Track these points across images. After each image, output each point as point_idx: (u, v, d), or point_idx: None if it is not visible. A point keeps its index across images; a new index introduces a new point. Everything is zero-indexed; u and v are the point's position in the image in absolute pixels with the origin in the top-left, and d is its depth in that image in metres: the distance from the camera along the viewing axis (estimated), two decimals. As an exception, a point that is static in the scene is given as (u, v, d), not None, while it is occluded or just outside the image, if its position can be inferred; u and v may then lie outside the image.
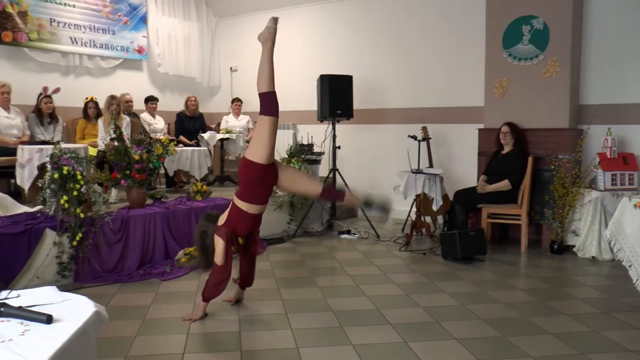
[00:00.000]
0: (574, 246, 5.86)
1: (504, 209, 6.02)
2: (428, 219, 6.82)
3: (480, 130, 6.75)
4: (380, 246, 6.25)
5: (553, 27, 6.17)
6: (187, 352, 3.29)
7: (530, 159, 5.99)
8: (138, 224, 5.15)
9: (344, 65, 8.02)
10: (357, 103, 7.35)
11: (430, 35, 7.53)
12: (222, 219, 3.85)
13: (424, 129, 6.87)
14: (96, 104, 7.16)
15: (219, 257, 3.74)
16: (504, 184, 5.98)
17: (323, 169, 7.52)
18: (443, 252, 5.62)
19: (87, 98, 7.18)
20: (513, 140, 6.16)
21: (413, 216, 6.69)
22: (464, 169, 7.16)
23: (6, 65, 7.24)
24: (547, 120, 6.22)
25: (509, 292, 4.54)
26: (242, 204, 3.78)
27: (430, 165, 6.71)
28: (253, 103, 9.29)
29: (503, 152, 6.22)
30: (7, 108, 6.47)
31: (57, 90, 6.89)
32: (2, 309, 1.84)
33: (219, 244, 3.74)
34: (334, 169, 7.09)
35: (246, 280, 4.18)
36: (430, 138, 6.86)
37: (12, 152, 5.97)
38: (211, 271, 3.82)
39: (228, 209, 3.86)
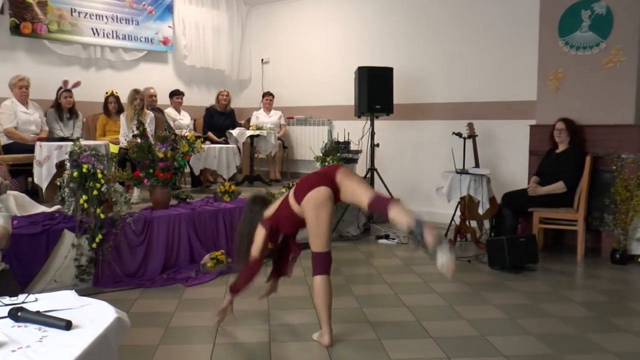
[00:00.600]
0: (639, 256, 5.72)
1: (558, 214, 5.92)
2: (473, 224, 6.75)
3: (532, 127, 6.65)
4: (420, 252, 6.18)
5: (617, 11, 6.03)
6: (213, 364, 3.31)
7: (588, 159, 5.87)
8: (162, 226, 5.21)
9: (384, 57, 7.98)
10: (398, 97, 7.31)
11: (478, 22, 7.44)
12: (270, 210, 3.77)
13: (470, 126, 6.79)
14: (117, 98, 7.28)
15: (255, 248, 3.72)
16: (558, 186, 5.88)
17: (360, 169, 7.50)
18: (490, 259, 5.55)
19: (107, 92, 7.31)
20: (569, 138, 6.05)
21: (457, 220, 6.63)
22: (514, 170, 7.06)
23: (25, 58, 7.40)
24: (608, 115, 6.08)
25: (564, 305, 4.45)
26: (296, 208, 3.62)
27: (477, 165, 6.64)
28: (285, 97, 9.41)
29: (557, 151, 6.12)
30: (25, 103, 6.62)
31: (77, 84, 7.04)
32: (19, 314, 1.88)
33: (260, 234, 3.71)
34: (372, 169, 7.07)
35: (283, 269, 4.02)
36: (477, 135, 6.79)
37: (29, 149, 6.09)
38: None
39: (279, 202, 3.77)
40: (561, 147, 6.10)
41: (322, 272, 3.63)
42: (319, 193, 3.50)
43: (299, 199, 3.56)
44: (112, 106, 7.26)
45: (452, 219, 6.97)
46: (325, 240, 3.60)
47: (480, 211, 6.27)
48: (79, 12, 7.80)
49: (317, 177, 3.62)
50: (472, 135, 6.75)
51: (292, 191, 3.67)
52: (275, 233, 3.75)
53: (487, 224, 6.68)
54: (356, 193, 3.50)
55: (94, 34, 7.99)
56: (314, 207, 3.50)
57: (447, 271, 3.03)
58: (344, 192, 3.54)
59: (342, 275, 5.21)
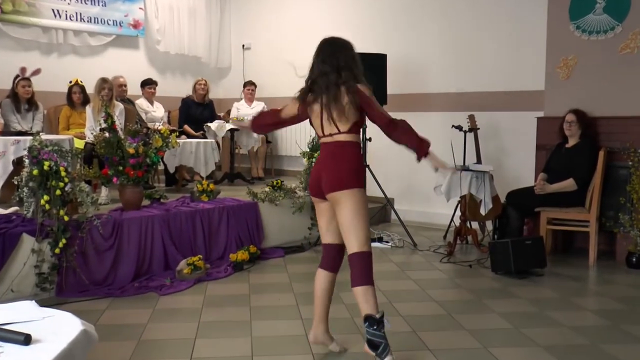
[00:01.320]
0: (656, 259, 5.78)
1: (568, 214, 5.95)
2: (475, 225, 6.77)
3: (539, 119, 6.67)
4: (417, 257, 6.22)
5: (636, -9, 6.07)
6: (189, 380, 3.30)
7: (601, 154, 5.91)
8: (133, 229, 5.19)
9: (377, 42, 7.97)
10: (392, 87, 7.31)
11: (480, 5, 7.46)
12: None
13: (471, 118, 6.81)
14: (82, 88, 7.23)
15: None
16: (568, 184, 5.91)
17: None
18: (493, 264, 5.57)
19: (70, 82, 7.25)
20: (580, 131, 6.08)
21: (457, 222, 6.65)
22: (519, 166, 7.09)
23: (-24, 42, 7.37)
24: (624, 106, 6.12)
25: (574, 313, 4.48)
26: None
27: (478, 161, 6.66)
28: (269, 87, 9.39)
29: (567, 145, 6.15)
30: (-23, 93, 6.57)
31: (37, 72, 6.96)
32: (-28, 327, 1.86)
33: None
34: (363, 165, 7.06)
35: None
36: (479, 128, 6.81)
37: (-17, 144, 6.03)
38: None
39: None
40: (571, 141, 6.12)
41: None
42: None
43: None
44: (76, 97, 7.21)
45: (452, 220, 6.99)
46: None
47: (483, 211, 6.28)
48: (38, -8, 7.75)
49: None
50: (474, 129, 6.77)
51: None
52: None
53: (489, 225, 6.70)
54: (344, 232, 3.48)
55: (55, 15, 7.95)
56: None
57: None
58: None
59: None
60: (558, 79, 6.51)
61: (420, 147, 3.53)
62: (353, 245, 3.42)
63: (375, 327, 3.29)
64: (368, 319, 3.32)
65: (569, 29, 6.41)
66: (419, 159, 3.54)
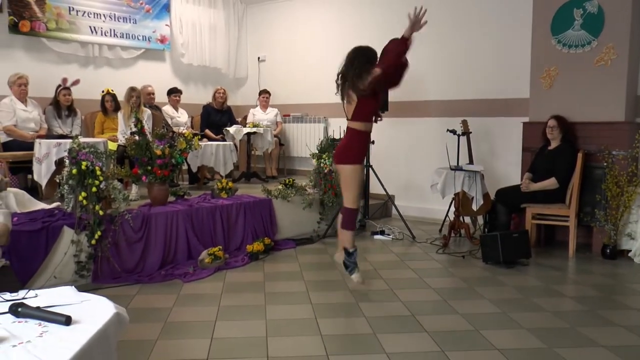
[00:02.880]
0: (629, 251, 5.75)
1: (551, 210, 5.94)
2: (467, 220, 6.77)
3: (525, 124, 6.65)
4: (415, 248, 6.22)
5: (609, 10, 6.03)
6: (211, 358, 3.32)
7: (580, 155, 5.89)
8: (159, 222, 5.21)
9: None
10: (393, 95, 7.30)
11: (472, 20, 7.45)
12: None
13: (464, 123, 6.81)
14: (113, 96, 7.27)
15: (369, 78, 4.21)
16: (551, 183, 5.89)
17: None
18: (484, 255, 5.57)
19: (103, 91, 7.30)
20: (561, 134, 6.06)
21: (451, 216, 6.64)
22: (507, 166, 7.08)
23: (24, 56, 7.40)
24: (599, 113, 6.09)
25: (555, 299, 4.48)
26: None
27: (471, 162, 6.65)
28: (281, 95, 9.41)
29: (550, 147, 6.13)
30: (24, 101, 6.61)
31: (76, 82, 7.02)
32: (20, 310, 1.88)
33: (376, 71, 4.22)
34: (367, 166, 7.07)
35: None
36: (471, 132, 6.80)
37: (29, 146, 6.08)
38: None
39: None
40: (553, 144, 6.11)
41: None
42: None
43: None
44: (108, 104, 7.25)
45: (447, 214, 6.99)
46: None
47: (474, 207, 6.29)
48: (77, 11, 7.79)
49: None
50: (466, 133, 6.76)
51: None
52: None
53: (481, 219, 6.69)
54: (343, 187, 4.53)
55: (92, 32, 7.99)
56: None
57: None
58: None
59: (338, 271, 5.20)
60: (541, 87, 6.49)
61: (403, 46, 4.30)
62: (344, 202, 4.48)
63: (348, 256, 4.46)
64: (345, 250, 4.47)
65: (551, 43, 6.39)
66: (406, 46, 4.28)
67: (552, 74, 6.40)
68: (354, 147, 4.38)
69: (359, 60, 4.30)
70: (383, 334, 3.67)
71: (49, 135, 6.47)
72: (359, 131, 4.36)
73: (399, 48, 4.25)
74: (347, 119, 4.39)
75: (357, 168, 4.38)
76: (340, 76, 4.42)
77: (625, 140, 5.95)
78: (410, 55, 8.09)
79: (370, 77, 4.16)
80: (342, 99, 4.39)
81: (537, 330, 3.77)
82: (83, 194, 4.60)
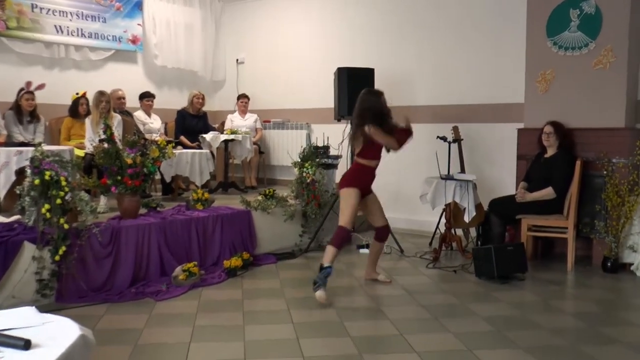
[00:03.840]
0: (631, 264, 5.79)
1: (548, 221, 5.97)
2: (459, 232, 6.78)
3: (519, 130, 6.70)
4: (404, 262, 6.22)
5: (607, 10, 6.10)
6: (184, 383, 3.28)
7: (578, 163, 5.93)
8: (130, 236, 5.16)
9: (365, 57, 8.01)
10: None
11: (464, 22, 7.50)
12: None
13: (455, 129, 6.83)
14: (88, 100, 7.23)
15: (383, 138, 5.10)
16: (547, 192, 5.92)
17: (340, 174, 7.48)
18: (476, 269, 5.58)
19: (77, 94, 7.28)
20: (558, 141, 6.10)
21: (442, 229, 6.65)
22: (501, 175, 7.11)
23: (-19, 57, 7.33)
24: (598, 118, 6.15)
25: (554, 316, 4.49)
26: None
27: (462, 171, 6.68)
28: (261, 100, 9.40)
29: (546, 155, 6.17)
30: (-19, 105, 6.54)
31: (41, 87, 6.95)
32: (-27, 333, 1.84)
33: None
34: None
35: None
36: (462, 139, 6.83)
37: (-15, 155, 5.98)
38: None
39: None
40: (550, 152, 6.15)
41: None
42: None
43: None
44: (83, 108, 7.23)
45: (437, 227, 7.00)
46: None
47: (466, 219, 6.29)
48: (40, 8, 7.72)
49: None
50: (458, 139, 6.79)
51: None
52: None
53: (473, 232, 6.72)
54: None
55: (58, 31, 7.93)
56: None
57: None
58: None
59: (322, 287, 5.20)
60: (537, 92, 6.54)
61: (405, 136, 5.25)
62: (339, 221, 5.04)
63: (320, 270, 4.76)
64: (321, 264, 4.81)
65: (546, 45, 6.45)
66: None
67: (548, 77, 6.45)
68: (350, 173, 5.21)
69: (371, 113, 5.04)
70: (369, 355, 3.65)
71: (9, 142, 6.39)
72: (362, 164, 5.13)
73: (407, 136, 5.27)
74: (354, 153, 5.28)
75: (347, 191, 5.02)
76: (353, 122, 5.15)
77: (625, 148, 5.99)
78: (396, 58, 8.17)
79: (383, 141, 5.04)
80: (351, 139, 5.19)
81: (534, 349, 3.77)
82: (46, 206, 4.54)
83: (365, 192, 5.18)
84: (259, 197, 6.56)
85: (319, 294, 4.65)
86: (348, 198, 5.00)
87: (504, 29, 7.16)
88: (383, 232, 5.38)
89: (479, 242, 6.41)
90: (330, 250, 4.83)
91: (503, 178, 7.06)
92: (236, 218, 6.10)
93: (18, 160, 5.57)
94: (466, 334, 4.03)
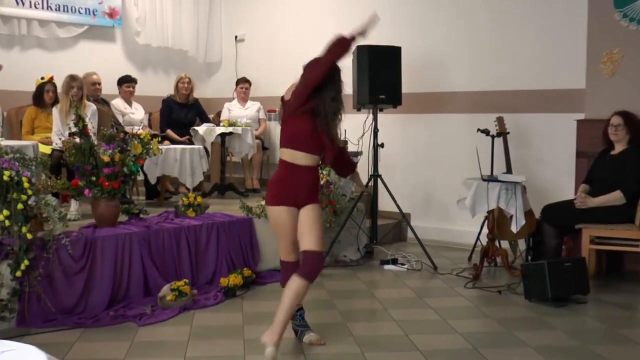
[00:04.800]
0: None
1: (615, 231, 5.92)
2: (505, 244, 6.75)
3: (579, 122, 6.68)
4: (437, 281, 6.20)
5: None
6: None
7: (653, 162, 5.90)
8: (107, 249, 5.17)
9: (390, 34, 7.93)
10: (407, 85, 7.31)
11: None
12: None
13: (500, 121, 6.80)
14: (55, 86, 7.27)
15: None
16: (615, 197, 5.88)
17: (360, 176, 7.45)
18: (526, 290, 5.55)
19: (42, 78, 7.29)
20: (628, 135, 6.07)
21: (484, 240, 6.62)
22: (556, 176, 7.08)
23: None
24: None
25: (623, 347, 4.45)
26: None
27: (508, 171, 6.65)
28: (265, 85, 9.39)
29: (613, 152, 6.14)
30: None
31: (-3, 69, 6.99)
32: None
33: None
34: (375, 175, 7.05)
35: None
36: (509, 133, 6.80)
37: None
38: None
39: None
40: (618, 148, 6.11)
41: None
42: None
43: None
44: (49, 96, 7.26)
45: (478, 238, 6.97)
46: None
47: (514, 229, 6.26)
48: (-2, -25, 7.77)
49: None
50: (502, 133, 6.75)
51: None
52: None
53: (522, 244, 6.69)
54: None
55: (18, 3, 7.96)
56: None
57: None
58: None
59: (338, 311, 5.18)
60: (601, 75, 6.51)
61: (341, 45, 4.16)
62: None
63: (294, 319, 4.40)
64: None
65: (613, 18, 6.41)
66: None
67: (615, 57, 6.42)
68: None
69: None
70: (398, 394, 3.64)
71: (-40, 136, 6.42)
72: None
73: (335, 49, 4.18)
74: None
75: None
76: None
77: None
78: (427, 34, 8.13)
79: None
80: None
81: (598, 387, 3.74)
82: (5, 212, 4.56)
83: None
84: (263, 202, 6.54)
85: (308, 338, 4.39)
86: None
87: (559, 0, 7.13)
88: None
89: (529, 257, 6.39)
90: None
91: (559, 180, 7.02)
92: (235, 227, 6.10)
93: (-29, 158, 5.60)
94: (515, 369, 4.01)
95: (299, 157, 4.10)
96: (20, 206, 4.59)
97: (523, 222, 6.19)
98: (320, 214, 4.21)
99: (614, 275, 6.41)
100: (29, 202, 4.67)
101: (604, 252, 6.30)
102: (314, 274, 4.09)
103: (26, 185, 4.65)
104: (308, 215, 4.13)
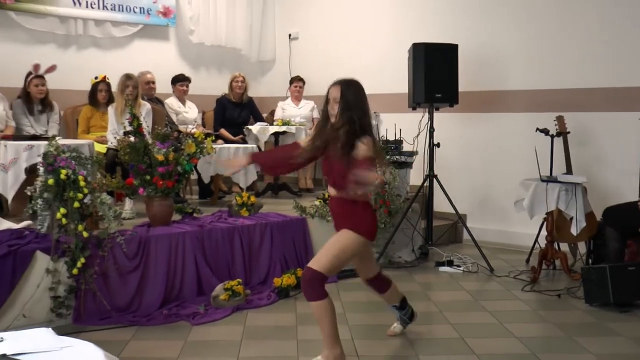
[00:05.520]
0: None
1: (680, 234, 5.82)
2: (565, 247, 6.67)
3: (644, 120, 6.56)
4: (494, 284, 6.15)
5: None
6: None
7: None
8: (161, 247, 5.24)
9: (446, 31, 7.94)
10: (464, 83, 7.27)
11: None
12: None
13: (560, 120, 6.72)
14: (109, 85, 7.39)
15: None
16: (681, 199, 5.78)
17: (416, 175, 7.46)
18: (586, 294, 5.48)
19: (96, 78, 7.41)
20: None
21: (542, 243, 6.55)
22: (620, 177, 6.96)
23: (-17, 34, 7.56)
24: None
25: (688, 354, 4.36)
26: None
27: (569, 171, 6.56)
28: (318, 84, 9.29)
29: (679, 152, 6.02)
30: (-18, 92, 6.73)
31: (51, 69, 7.08)
32: (-20, 357, 1.89)
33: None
34: (430, 176, 7.02)
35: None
36: (569, 132, 6.71)
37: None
38: None
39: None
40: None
41: None
42: None
43: None
44: (102, 95, 7.36)
45: (536, 240, 6.90)
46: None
47: (574, 231, 6.19)
48: (55, -23, 7.91)
49: None
50: (563, 132, 6.68)
51: None
52: None
53: (582, 247, 6.60)
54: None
55: (75, 4, 8.10)
56: None
57: None
58: None
59: (392, 313, 5.17)
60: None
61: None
62: None
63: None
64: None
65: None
66: None
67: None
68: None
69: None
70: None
71: (18, 135, 6.53)
72: None
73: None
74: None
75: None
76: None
77: None
78: (484, 31, 8.05)
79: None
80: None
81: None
82: (62, 210, 4.65)
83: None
84: (316, 202, 6.57)
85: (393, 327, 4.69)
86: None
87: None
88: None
89: (590, 260, 6.30)
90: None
91: (622, 181, 6.90)
92: (288, 227, 6.13)
93: (29, 157, 5.72)
94: (574, 374, 3.97)
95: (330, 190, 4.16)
96: (76, 204, 4.67)
97: (584, 224, 6.13)
98: (346, 240, 3.99)
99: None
100: (85, 201, 4.75)
101: (669, 256, 6.19)
102: (304, 290, 4.06)
103: (82, 183, 4.73)
104: (331, 237, 4.08)
